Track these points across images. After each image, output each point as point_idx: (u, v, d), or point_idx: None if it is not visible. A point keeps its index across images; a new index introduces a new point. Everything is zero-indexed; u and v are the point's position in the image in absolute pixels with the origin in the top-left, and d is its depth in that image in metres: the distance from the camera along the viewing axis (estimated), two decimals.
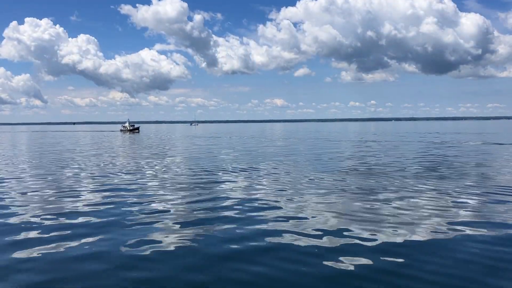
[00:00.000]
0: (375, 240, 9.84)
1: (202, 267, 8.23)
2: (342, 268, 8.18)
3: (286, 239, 10.03)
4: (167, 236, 10.29)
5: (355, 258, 8.68)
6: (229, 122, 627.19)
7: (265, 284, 7.55)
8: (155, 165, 26.78)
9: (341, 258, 8.67)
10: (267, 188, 17.30)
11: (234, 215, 12.43)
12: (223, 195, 15.73)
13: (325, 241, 9.84)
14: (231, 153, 37.35)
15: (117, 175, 22.01)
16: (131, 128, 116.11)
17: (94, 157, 34.02)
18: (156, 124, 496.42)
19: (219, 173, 22.28)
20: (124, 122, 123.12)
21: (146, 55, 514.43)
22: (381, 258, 8.63)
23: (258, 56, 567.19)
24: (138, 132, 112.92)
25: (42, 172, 23.87)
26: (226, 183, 18.90)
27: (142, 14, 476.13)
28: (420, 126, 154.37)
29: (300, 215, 12.47)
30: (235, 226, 11.20)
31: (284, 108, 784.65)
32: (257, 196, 15.57)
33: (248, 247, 9.43)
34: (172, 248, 9.40)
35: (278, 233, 10.51)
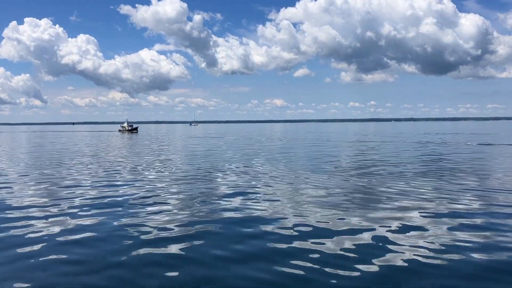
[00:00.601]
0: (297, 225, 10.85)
1: (124, 251, 9.21)
2: (247, 250, 9.15)
3: (214, 228, 10.98)
4: (104, 225, 11.31)
5: (261, 242, 9.65)
6: (229, 122, 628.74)
7: (175, 264, 8.48)
8: (134, 164, 27.79)
9: (251, 242, 9.70)
10: (226, 184, 18.24)
11: (171, 208, 13.46)
12: (172, 191, 16.76)
13: (246, 228, 10.81)
14: (216, 152, 38.36)
15: (91, 173, 23.04)
16: (129, 128, 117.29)
17: (79, 156, 35.08)
18: (155, 124, 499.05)
19: (190, 171, 23.28)
20: (123, 123, 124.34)
21: (146, 55, 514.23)
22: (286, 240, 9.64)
23: (258, 56, 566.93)
24: (137, 132, 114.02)
25: (19, 169, 24.95)
26: (188, 180, 19.89)
27: (141, 14, 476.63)
28: (419, 127, 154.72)
29: (240, 206, 13.44)
30: (168, 217, 12.25)
31: (284, 108, 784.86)
32: (211, 191, 16.59)
33: (174, 235, 10.41)
34: (105, 235, 10.42)
35: (210, 222, 11.50)
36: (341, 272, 7.88)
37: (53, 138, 78.63)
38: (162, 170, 24.06)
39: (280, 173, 21.83)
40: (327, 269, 8.01)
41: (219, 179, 19.94)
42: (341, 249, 9.16)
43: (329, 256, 8.73)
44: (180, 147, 48.95)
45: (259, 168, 24.25)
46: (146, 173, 22.71)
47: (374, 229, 10.70)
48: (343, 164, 26.28)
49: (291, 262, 8.43)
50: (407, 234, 10.26)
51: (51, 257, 8.87)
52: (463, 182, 18.29)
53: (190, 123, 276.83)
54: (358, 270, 7.99)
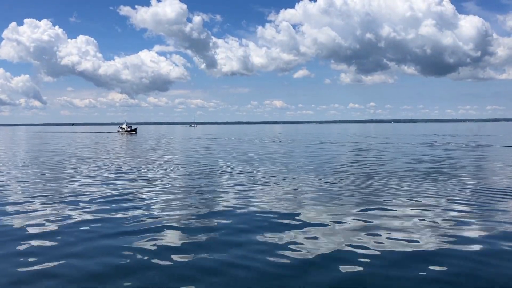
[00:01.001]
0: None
1: (82, 243, 9.83)
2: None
3: (175, 223, 11.61)
4: (70, 220, 11.97)
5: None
6: (228, 123, 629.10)
7: (128, 254, 9.01)
8: (119, 164, 28.43)
9: (206, 234, 10.28)
10: (203, 183, 18.86)
11: (141, 205, 14.15)
12: (146, 189, 17.47)
13: (204, 224, 11.43)
14: (207, 153, 39.04)
15: (72, 172, 23.72)
16: (128, 129, 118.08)
17: (69, 156, 35.75)
18: (155, 125, 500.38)
19: (173, 171, 23.90)
20: (122, 124, 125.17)
21: (146, 56, 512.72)
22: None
23: (258, 57, 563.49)
24: (135, 133, 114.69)
25: (4, 168, 25.66)
26: (167, 179, 20.51)
27: (141, 15, 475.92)
28: (418, 128, 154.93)
29: (208, 202, 14.06)
30: (133, 213, 12.95)
31: (283, 109, 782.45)
32: (184, 189, 17.28)
33: (135, 229, 10.99)
34: (68, 229, 11.07)
35: (173, 217, 12.14)
36: (270, 259, 8.51)
37: (50, 139, 79.28)
38: (146, 170, 24.64)
39: (260, 173, 22.39)
40: (268, 258, 8.61)
41: (198, 178, 20.50)
42: (288, 242, 9.74)
43: (271, 246, 9.33)
44: (175, 148, 49.54)
45: (240, 168, 24.82)
46: (129, 173, 23.27)
47: (327, 225, 11.28)
48: (324, 164, 26.81)
49: (233, 251, 9.05)
50: (356, 227, 10.87)
51: (13, 249, 9.47)
52: (435, 181, 18.83)
53: (190, 124, 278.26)
54: (292, 258, 8.59)
